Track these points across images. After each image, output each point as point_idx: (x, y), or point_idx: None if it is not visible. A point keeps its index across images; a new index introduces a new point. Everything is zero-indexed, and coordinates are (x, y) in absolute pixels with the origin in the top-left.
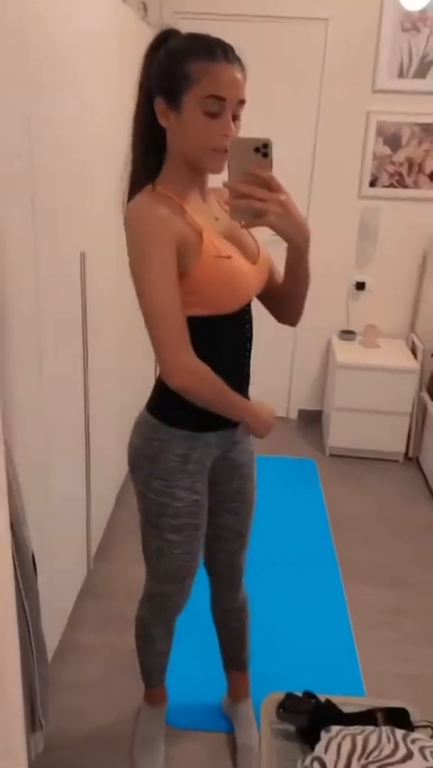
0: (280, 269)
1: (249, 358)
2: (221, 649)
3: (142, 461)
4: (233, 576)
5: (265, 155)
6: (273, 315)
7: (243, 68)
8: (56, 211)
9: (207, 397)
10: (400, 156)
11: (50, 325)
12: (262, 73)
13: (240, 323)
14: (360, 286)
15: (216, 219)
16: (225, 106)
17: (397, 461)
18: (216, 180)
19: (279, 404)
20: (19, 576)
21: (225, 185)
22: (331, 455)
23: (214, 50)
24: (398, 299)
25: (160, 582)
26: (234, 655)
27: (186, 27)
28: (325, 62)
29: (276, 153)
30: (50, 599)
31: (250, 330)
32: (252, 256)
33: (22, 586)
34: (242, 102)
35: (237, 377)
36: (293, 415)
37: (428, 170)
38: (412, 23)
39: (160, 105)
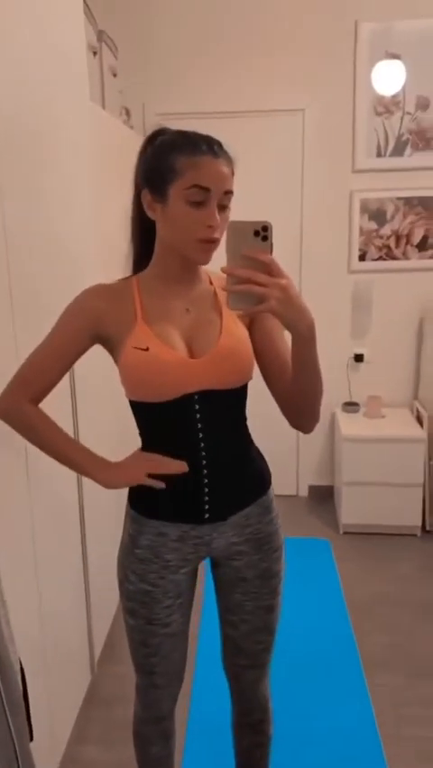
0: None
1: (204, 454)
2: (235, 758)
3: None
4: (245, 695)
5: (265, 238)
6: (287, 417)
7: (230, 162)
8: (37, 315)
9: (27, 438)
10: (386, 230)
11: None
12: (246, 162)
13: (182, 413)
14: (358, 358)
15: (187, 311)
16: (209, 196)
17: (415, 536)
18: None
19: (288, 481)
20: (3, 695)
21: (223, 270)
22: (345, 533)
23: (199, 144)
24: (398, 368)
25: (136, 671)
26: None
27: (171, 127)
28: (304, 148)
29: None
30: (52, 711)
31: (199, 426)
32: (202, 348)
33: (6, 706)
34: (228, 192)
35: (190, 464)
36: (303, 492)
37: (415, 241)
38: (385, 107)
39: (146, 196)
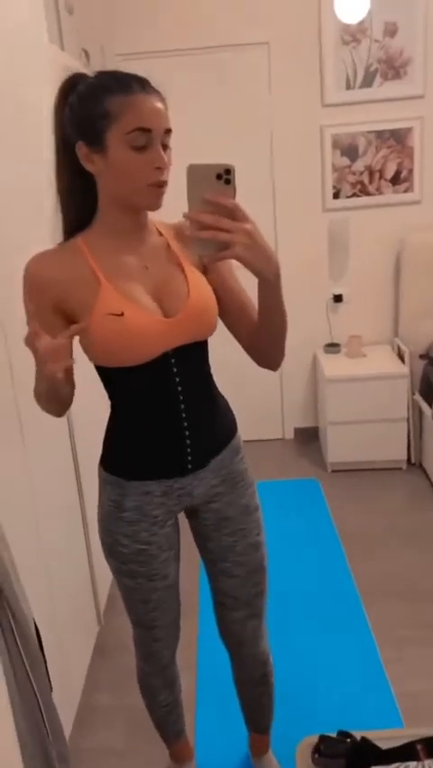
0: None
1: (182, 404)
2: (241, 710)
3: (99, 505)
4: (243, 649)
5: (228, 182)
6: (253, 358)
7: (162, 98)
8: None
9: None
10: (359, 165)
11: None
12: (212, 101)
13: (162, 371)
14: (337, 298)
15: (146, 269)
16: (152, 138)
17: (400, 469)
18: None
19: (273, 425)
20: (22, 653)
21: (185, 216)
22: (333, 471)
23: (128, 83)
24: (377, 306)
25: (135, 627)
26: (253, 719)
27: (131, 69)
28: (271, 83)
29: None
30: (64, 664)
31: (182, 377)
32: (172, 305)
33: (26, 660)
34: (168, 131)
35: (164, 422)
36: (289, 434)
37: (388, 176)
38: (352, 36)
39: (81, 149)
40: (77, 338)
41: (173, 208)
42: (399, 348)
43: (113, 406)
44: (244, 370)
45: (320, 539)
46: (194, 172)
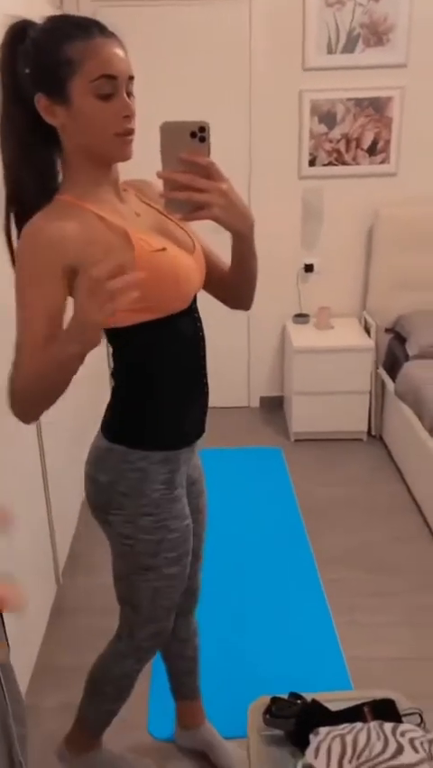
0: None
1: (205, 356)
2: (172, 680)
3: (121, 499)
4: (190, 602)
5: (203, 140)
6: (225, 302)
7: (122, 44)
8: None
9: (47, 391)
10: (336, 133)
11: None
12: (188, 57)
13: (192, 320)
14: (309, 268)
15: (138, 215)
16: (117, 85)
17: (361, 440)
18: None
19: (239, 393)
20: None
21: (158, 175)
22: (296, 440)
23: (88, 28)
24: (347, 278)
25: (156, 622)
26: (190, 685)
27: (107, 15)
28: (252, 43)
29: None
30: (21, 623)
31: (201, 327)
32: (187, 247)
33: None
34: (131, 78)
35: (195, 377)
36: (255, 403)
37: (365, 146)
38: None
39: (41, 101)
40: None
41: (144, 166)
42: (366, 321)
43: (137, 376)
44: (212, 337)
45: (280, 507)
46: (168, 130)
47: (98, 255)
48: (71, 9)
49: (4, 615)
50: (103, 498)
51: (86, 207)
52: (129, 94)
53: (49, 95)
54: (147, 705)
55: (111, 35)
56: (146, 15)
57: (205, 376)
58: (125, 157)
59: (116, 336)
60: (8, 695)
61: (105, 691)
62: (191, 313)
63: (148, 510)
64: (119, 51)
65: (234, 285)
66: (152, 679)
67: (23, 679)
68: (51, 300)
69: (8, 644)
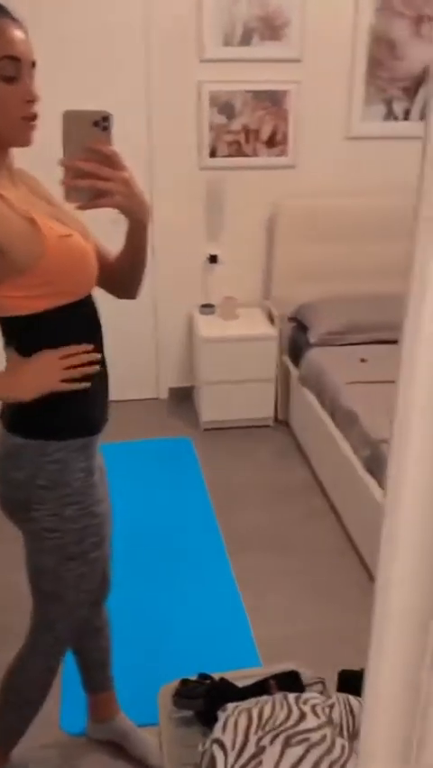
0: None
1: (103, 349)
2: (85, 673)
3: (42, 492)
4: (103, 590)
5: (105, 129)
6: (112, 292)
7: (25, 28)
8: None
9: None
10: (236, 124)
11: None
12: (85, 48)
13: (93, 305)
14: (213, 258)
15: (32, 204)
16: (20, 68)
17: (268, 426)
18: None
19: (148, 384)
20: None
21: (61, 163)
22: (205, 430)
23: None
24: (250, 268)
25: (78, 610)
26: (103, 676)
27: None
28: (149, 34)
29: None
30: None
31: (99, 318)
32: (84, 235)
33: None
34: (34, 63)
35: (102, 370)
36: (164, 394)
37: (264, 137)
38: None
39: None
40: None
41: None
42: (269, 310)
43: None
44: (119, 329)
45: (190, 496)
46: (70, 119)
47: (9, 237)
48: None
49: None
50: (21, 495)
51: None
52: (31, 78)
53: None
54: (59, 701)
55: (13, 18)
56: (42, 4)
57: (105, 361)
58: (27, 142)
59: (19, 324)
60: None
61: (24, 697)
62: (91, 299)
63: (71, 500)
64: (23, 35)
65: (124, 273)
66: (64, 673)
67: None
68: None
69: None
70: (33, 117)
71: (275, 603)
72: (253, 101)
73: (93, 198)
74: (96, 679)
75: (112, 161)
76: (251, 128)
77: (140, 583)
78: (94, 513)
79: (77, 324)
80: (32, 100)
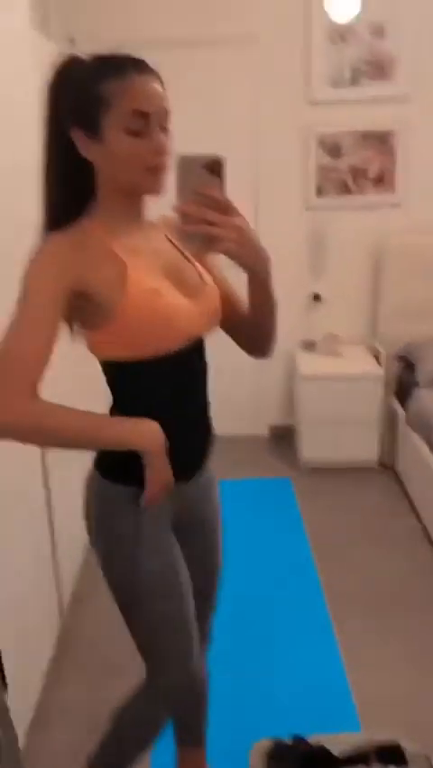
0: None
1: (202, 399)
2: (178, 725)
3: (97, 527)
4: (202, 645)
5: (218, 173)
6: (243, 348)
7: (159, 79)
8: None
9: (54, 434)
10: (343, 164)
11: None
12: (197, 93)
13: (184, 365)
14: (316, 296)
15: (156, 252)
16: (149, 121)
17: (372, 470)
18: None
19: (247, 422)
20: None
21: (173, 208)
22: (306, 470)
23: (124, 65)
24: (355, 306)
25: (167, 664)
26: (196, 730)
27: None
28: (258, 78)
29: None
30: (24, 657)
31: (200, 374)
32: (191, 290)
33: None
34: (167, 112)
35: (184, 418)
36: (264, 432)
37: (371, 176)
38: (341, 35)
39: (77, 135)
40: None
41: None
42: (375, 349)
43: (119, 406)
44: (220, 364)
45: (289, 539)
46: (183, 163)
47: (96, 283)
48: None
49: (2, 652)
50: (89, 520)
51: (100, 236)
52: (164, 129)
53: (84, 129)
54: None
55: (148, 71)
56: (160, 58)
57: (200, 417)
58: (156, 191)
59: (112, 369)
60: (3, 739)
61: (126, 735)
62: (186, 357)
63: (118, 541)
64: (154, 87)
65: (253, 330)
66: None
67: (23, 717)
68: (45, 316)
69: (5, 684)
70: (160, 167)
71: (377, 663)
72: (360, 140)
73: (205, 244)
74: (188, 732)
75: (224, 207)
76: (358, 167)
77: (234, 628)
78: (143, 563)
79: (164, 378)
80: (160, 151)
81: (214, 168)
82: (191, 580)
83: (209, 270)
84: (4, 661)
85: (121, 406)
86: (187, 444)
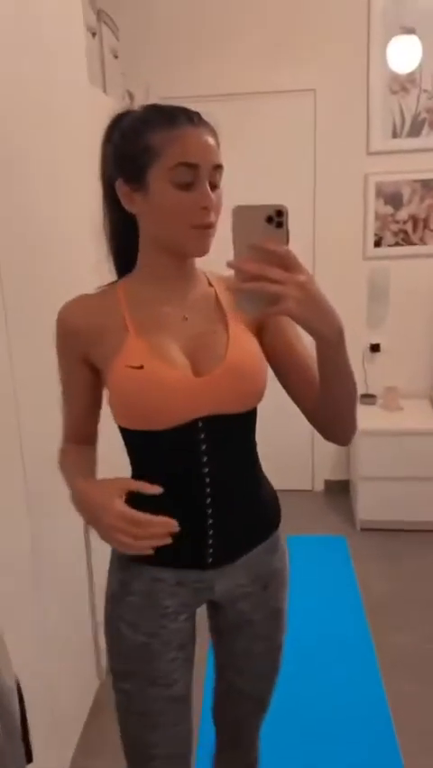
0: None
1: (209, 491)
2: None
3: (108, 574)
4: (240, 740)
5: (280, 225)
6: (319, 431)
7: (213, 132)
8: (31, 321)
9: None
10: (403, 214)
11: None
12: (255, 146)
13: (185, 443)
14: (375, 347)
15: (185, 319)
16: (198, 174)
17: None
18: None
19: (303, 476)
20: None
21: (229, 264)
22: (362, 529)
23: (175, 116)
24: (416, 358)
25: (129, 762)
26: None
27: None
28: (316, 129)
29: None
30: (57, 721)
31: (206, 458)
32: (204, 367)
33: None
34: (218, 167)
35: (188, 511)
36: (319, 486)
37: (432, 226)
38: (400, 85)
39: (122, 187)
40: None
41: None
42: None
43: (132, 475)
44: (275, 416)
45: (342, 603)
46: (241, 214)
47: (95, 356)
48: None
49: (36, 712)
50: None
51: (121, 304)
52: (214, 185)
53: (128, 181)
54: None
55: (201, 124)
56: (214, 110)
57: (205, 507)
58: (200, 251)
59: (121, 432)
60: None
61: None
62: (189, 434)
63: (107, 598)
64: (205, 139)
65: (325, 407)
66: None
67: None
68: (68, 378)
69: (30, 756)
70: (207, 226)
71: (430, 730)
72: (421, 190)
73: (265, 305)
74: None
75: (286, 262)
76: (419, 217)
77: (280, 700)
78: (121, 632)
79: (163, 455)
80: (207, 207)
81: (275, 218)
82: (230, 671)
83: (286, 337)
84: (34, 736)
85: (132, 472)
86: (182, 528)
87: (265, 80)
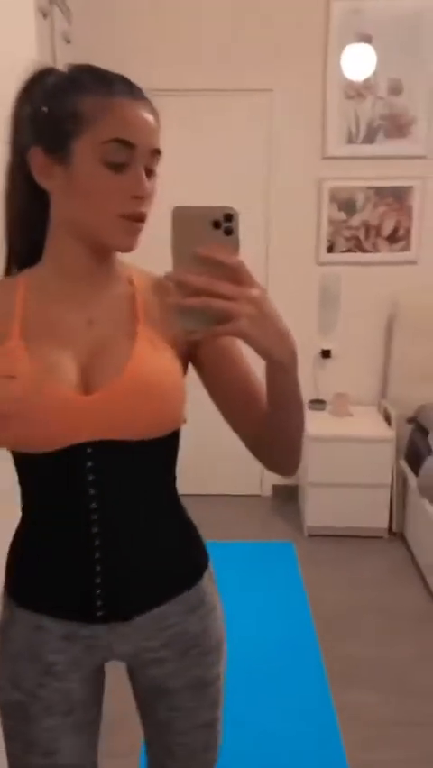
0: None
1: (97, 530)
2: None
3: None
4: None
5: (229, 231)
6: (260, 460)
7: (155, 112)
8: None
9: None
10: (356, 220)
11: None
12: (208, 145)
13: (68, 470)
14: (325, 353)
15: (90, 323)
16: (134, 156)
17: (381, 538)
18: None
19: (251, 481)
20: None
21: (168, 277)
22: (310, 535)
23: (113, 82)
24: (366, 365)
25: None
26: None
27: None
28: (272, 130)
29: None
30: None
31: (93, 491)
32: (98, 380)
33: None
34: (157, 152)
35: (71, 551)
36: (267, 491)
37: (385, 233)
38: (356, 91)
39: (37, 156)
40: None
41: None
42: (386, 410)
43: (21, 500)
44: (221, 418)
45: (289, 610)
46: (182, 217)
47: None
48: None
49: None
50: None
51: (16, 299)
52: (150, 171)
53: (47, 149)
54: None
55: (141, 98)
56: (170, 103)
57: (91, 550)
58: (127, 246)
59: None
60: None
61: None
62: (75, 460)
63: None
64: (148, 117)
65: (269, 435)
66: None
67: None
68: None
69: None
70: (138, 217)
71: (386, 760)
72: (375, 197)
73: (211, 323)
74: None
75: (237, 275)
76: (371, 224)
77: (230, 710)
78: (0, 684)
79: (42, 478)
80: (140, 196)
81: (224, 223)
82: (154, 746)
83: (221, 355)
84: None
85: (21, 500)
86: (65, 570)
87: (222, 77)
